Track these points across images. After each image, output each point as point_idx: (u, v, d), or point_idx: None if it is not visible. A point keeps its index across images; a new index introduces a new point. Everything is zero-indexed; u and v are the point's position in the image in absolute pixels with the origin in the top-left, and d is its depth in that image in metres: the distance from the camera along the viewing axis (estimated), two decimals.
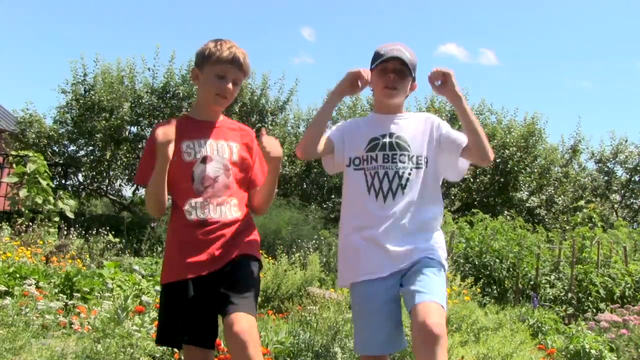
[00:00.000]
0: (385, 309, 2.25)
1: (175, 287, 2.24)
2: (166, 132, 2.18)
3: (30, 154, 10.34)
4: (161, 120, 16.01)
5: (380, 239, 2.25)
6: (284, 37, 39.61)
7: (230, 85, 2.30)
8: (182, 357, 2.32)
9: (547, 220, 16.86)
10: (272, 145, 2.29)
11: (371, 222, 2.27)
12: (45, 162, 10.08)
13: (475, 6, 43.09)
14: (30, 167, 9.61)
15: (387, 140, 2.34)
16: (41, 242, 7.81)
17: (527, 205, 17.12)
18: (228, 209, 2.29)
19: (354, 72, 2.31)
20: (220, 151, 2.33)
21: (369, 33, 42.78)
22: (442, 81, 2.27)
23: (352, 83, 2.33)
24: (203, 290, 2.21)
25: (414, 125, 2.38)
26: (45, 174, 9.78)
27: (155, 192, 2.24)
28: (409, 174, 2.29)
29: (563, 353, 4.57)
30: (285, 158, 15.63)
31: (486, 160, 2.30)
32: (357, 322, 2.32)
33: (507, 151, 16.42)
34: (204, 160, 2.29)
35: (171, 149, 2.19)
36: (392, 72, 2.33)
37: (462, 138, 2.31)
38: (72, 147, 16.49)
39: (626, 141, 19.67)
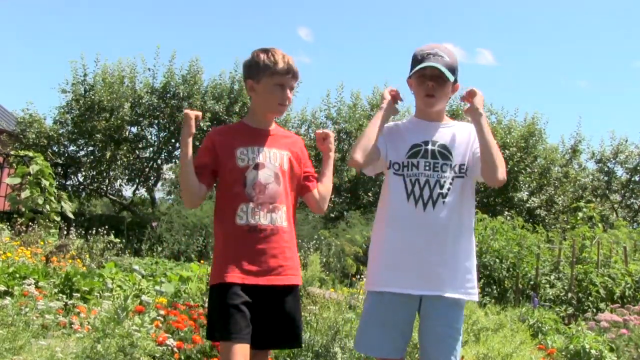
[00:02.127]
0: (403, 323, 2.27)
1: (225, 288, 2.28)
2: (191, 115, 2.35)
3: (31, 154, 10.35)
4: (160, 120, 16.05)
5: (420, 247, 2.23)
6: (281, 37, 39.61)
7: (289, 94, 2.41)
8: (220, 352, 2.33)
9: (547, 220, 16.85)
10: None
11: (411, 229, 2.25)
12: (47, 163, 10.09)
13: (472, 6, 43.05)
14: (33, 168, 9.61)
15: (429, 147, 2.31)
16: (41, 242, 7.81)
17: (527, 205, 17.12)
18: (279, 216, 2.36)
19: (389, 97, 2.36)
20: (273, 159, 2.40)
21: (366, 33, 42.75)
22: (468, 100, 2.30)
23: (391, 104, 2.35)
24: (252, 296, 2.27)
25: (458, 134, 2.36)
26: (49, 175, 9.79)
27: (185, 179, 2.34)
28: (450, 183, 2.27)
29: (563, 353, 4.57)
30: None
31: (493, 181, 2.27)
32: (369, 327, 2.31)
33: (507, 151, 16.41)
34: (257, 167, 2.37)
35: (190, 121, 2.34)
36: (431, 79, 2.28)
37: None
38: (72, 147, 16.50)
39: (626, 141, 19.63)
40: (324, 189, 2.53)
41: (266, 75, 2.37)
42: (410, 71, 2.33)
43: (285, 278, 2.34)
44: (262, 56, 2.39)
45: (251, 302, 2.27)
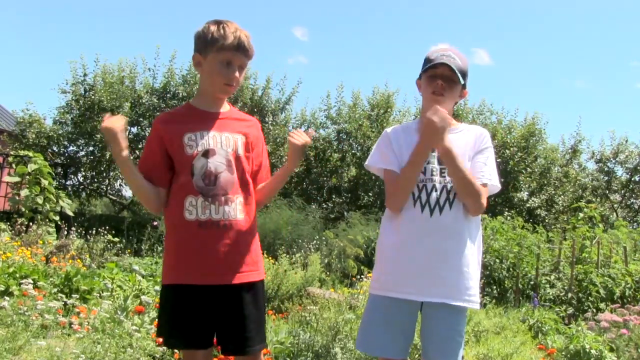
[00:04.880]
0: (405, 325, 2.27)
1: (175, 289, 2.17)
2: (112, 121, 2.13)
3: (30, 154, 10.35)
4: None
5: (425, 253, 2.21)
6: (277, 37, 39.52)
7: (237, 73, 2.17)
8: (182, 357, 2.29)
9: (547, 220, 16.85)
10: (298, 137, 2.29)
11: (417, 235, 2.23)
12: (46, 163, 10.08)
13: (467, 5, 43.05)
14: (31, 167, 9.61)
15: (436, 153, 2.27)
16: (41, 242, 7.80)
17: (528, 205, 17.11)
18: (232, 209, 2.15)
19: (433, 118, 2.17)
20: (225, 144, 2.17)
21: (362, 32, 42.74)
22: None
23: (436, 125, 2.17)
24: (205, 298, 2.14)
25: (465, 139, 2.30)
26: (48, 174, 9.79)
27: (134, 186, 2.17)
28: (452, 180, 2.24)
29: (563, 353, 4.56)
30: (286, 157, 15.58)
31: (469, 211, 2.25)
32: (371, 326, 2.30)
33: (507, 151, 16.42)
34: (206, 153, 2.14)
35: (116, 137, 2.10)
36: (441, 78, 2.25)
37: (475, 174, 2.25)
38: (72, 147, 16.48)
39: (626, 141, 19.63)
40: (271, 187, 2.34)
41: (213, 50, 2.13)
42: (422, 70, 2.32)
43: (242, 275, 2.15)
44: (212, 28, 2.15)
45: (207, 304, 2.13)
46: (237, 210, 2.16)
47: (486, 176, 2.26)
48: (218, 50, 2.14)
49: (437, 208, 2.23)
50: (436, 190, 2.24)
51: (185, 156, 2.13)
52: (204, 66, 2.19)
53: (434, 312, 2.22)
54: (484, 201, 2.25)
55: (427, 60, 2.30)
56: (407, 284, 2.22)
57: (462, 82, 2.28)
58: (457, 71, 2.24)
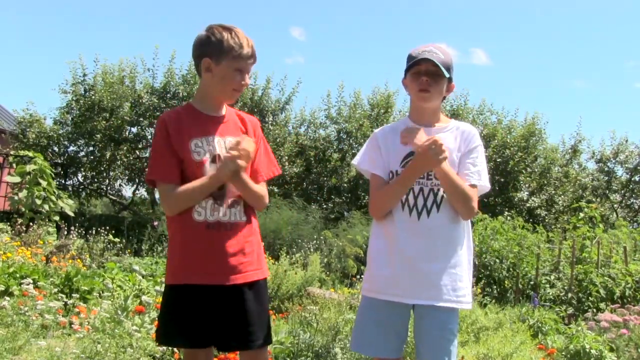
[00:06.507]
0: (397, 325, 2.27)
1: (180, 290, 2.19)
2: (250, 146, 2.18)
3: (31, 154, 10.35)
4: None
5: (413, 256, 2.21)
6: (274, 37, 39.42)
7: (247, 79, 2.24)
8: (182, 357, 2.30)
9: (547, 220, 16.85)
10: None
11: (404, 238, 2.22)
12: (47, 163, 10.09)
13: (465, 5, 43.02)
14: (32, 168, 9.61)
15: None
16: (41, 242, 7.81)
17: (528, 205, 17.12)
18: (238, 211, 2.23)
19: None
20: (229, 149, 2.23)
21: (360, 32, 42.65)
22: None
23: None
24: (211, 297, 2.17)
25: (451, 139, 2.28)
26: (49, 175, 9.79)
27: (194, 201, 2.17)
28: (444, 191, 2.24)
29: (563, 353, 4.56)
30: (286, 158, 15.62)
31: (462, 216, 2.26)
32: (364, 326, 2.31)
33: (507, 151, 16.42)
34: (214, 159, 2.20)
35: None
36: (425, 74, 2.24)
37: (463, 176, 2.25)
38: (72, 147, 16.48)
39: (626, 141, 19.63)
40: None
41: (229, 57, 2.16)
42: (405, 69, 2.31)
43: (247, 275, 2.21)
44: (226, 35, 2.17)
45: (211, 304, 2.16)
46: (241, 212, 2.24)
47: (475, 177, 2.26)
48: (234, 58, 2.17)
49: (425, 211, 2.23)
50: (423, 194, 2.24)
51: (194, 162, 2.18)
52: (216, 72, 2.20)
53: (425, 313, 2.22)
54: (475, 204, 2.25)
55: (410, 58, 2.29)
56: (396, 286, 2.22)
57: (448, 75, 2.26)
58: (440, 65, 2.22)
